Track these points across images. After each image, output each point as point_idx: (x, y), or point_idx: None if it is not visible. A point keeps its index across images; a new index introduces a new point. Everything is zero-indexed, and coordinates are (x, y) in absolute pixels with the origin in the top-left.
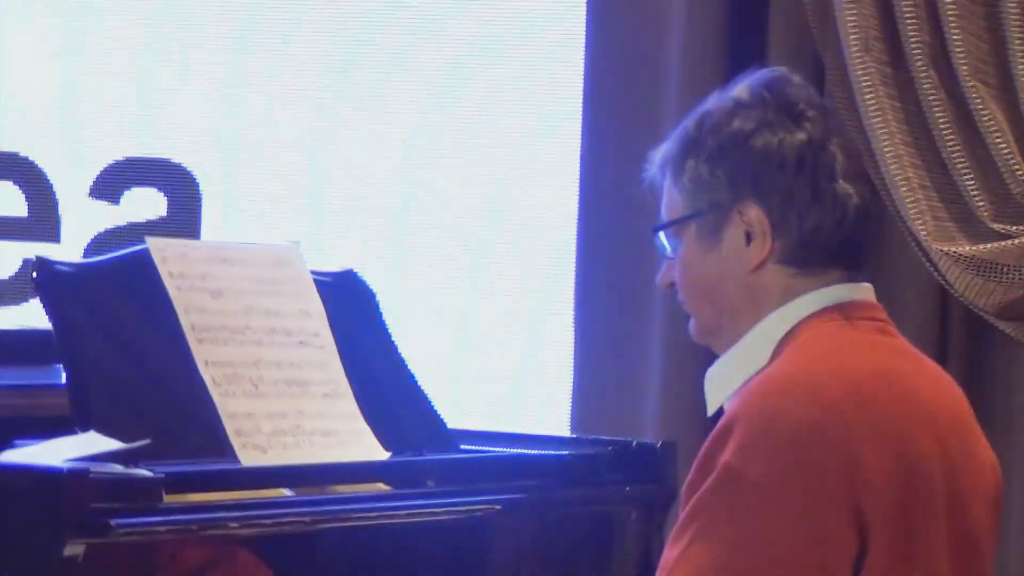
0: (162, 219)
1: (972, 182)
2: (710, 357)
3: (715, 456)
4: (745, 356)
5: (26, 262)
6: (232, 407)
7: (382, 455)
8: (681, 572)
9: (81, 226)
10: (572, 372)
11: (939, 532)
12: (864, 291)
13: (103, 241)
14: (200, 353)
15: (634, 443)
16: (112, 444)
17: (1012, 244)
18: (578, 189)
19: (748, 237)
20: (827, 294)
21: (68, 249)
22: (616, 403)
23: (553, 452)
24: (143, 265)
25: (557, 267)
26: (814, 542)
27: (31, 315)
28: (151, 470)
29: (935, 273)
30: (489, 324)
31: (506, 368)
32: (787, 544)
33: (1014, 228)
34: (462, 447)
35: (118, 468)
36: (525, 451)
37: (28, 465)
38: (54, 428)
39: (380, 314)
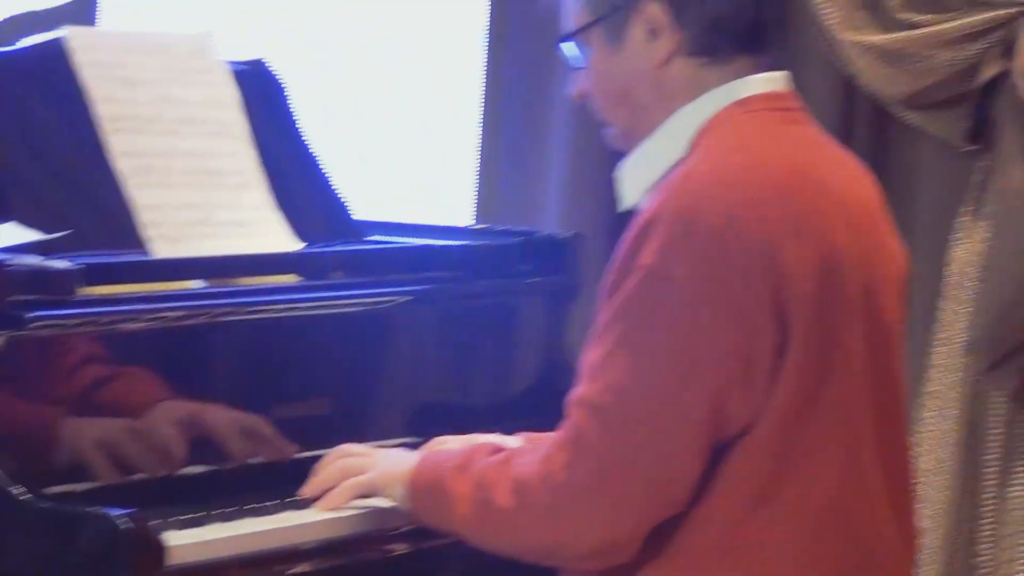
0: (60, 8)
1: None
2: (616, 153)
3: (634, 256)
4: (659, 150)
5: None
6: (145, 198)
7: (295, 245)
8: (608, 375)
9: None
10: (476, 164)
11: (855, 323)
12: (778, 80)
13: (5, 29)
14: (113, 143)
15: (542, 234)
16: (30, 235)
17: (920, 33)
18: None
19: (652, 33)
20: (740, 85)
21: None
22: (518, 195)
23: (462, 243)
24: (57, 54)
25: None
26: (739, 337)
27: None
28: (69, 261)
29: (840, 62)
30: (393, 115)
31: (409, 159)
32: (714, 342)
33: (921, 17)
34: (371, 238)
35: (35, 260)
36: (433, 242)
37: None
38: None
39: (288, 104)
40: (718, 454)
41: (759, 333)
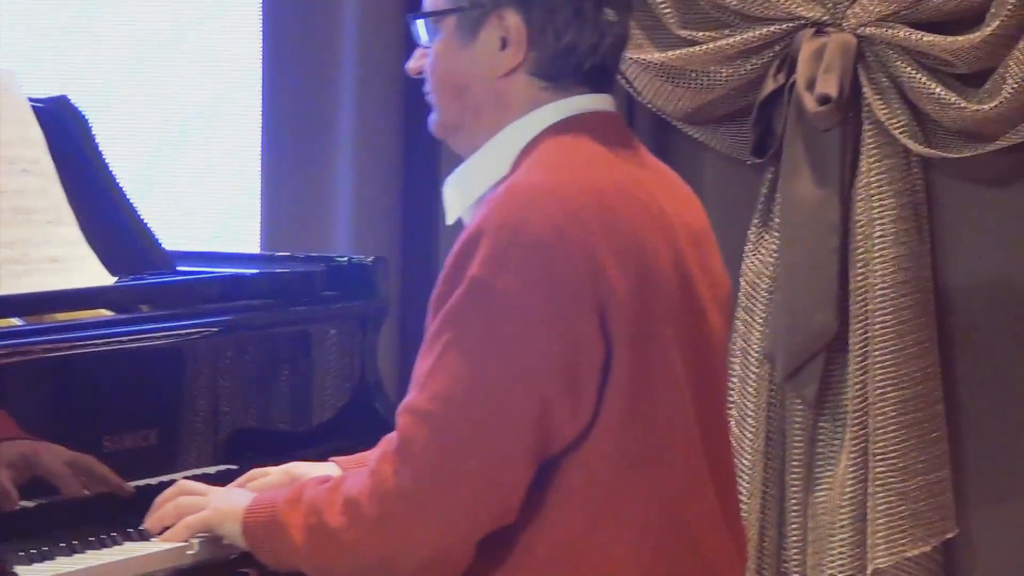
0: None
1: None
2: (392, 180)
3: (463, 268)
4: (486, 166)
5: None
6: None
7: (108, 280)
8: (435, 383)
9: None
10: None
11: (676, 338)
12: (603, 101)
13: None
14: None
15: (347, 259)
16: None
17: (699, 50)
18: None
19: (504, 42)
20: (567, 105)
21: None
22: (305, 220)
23: (268, 271)
24: None
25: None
26: (565, 348)
27: None
28: None
29: (622, 80)
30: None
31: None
32: (539, 351)
33: (700, 34)
34: (179, 268)
35: None
36: (241, 271)
37: None
38: None
39: (93, 139)
40: (553, 468)
41: (583, 344)
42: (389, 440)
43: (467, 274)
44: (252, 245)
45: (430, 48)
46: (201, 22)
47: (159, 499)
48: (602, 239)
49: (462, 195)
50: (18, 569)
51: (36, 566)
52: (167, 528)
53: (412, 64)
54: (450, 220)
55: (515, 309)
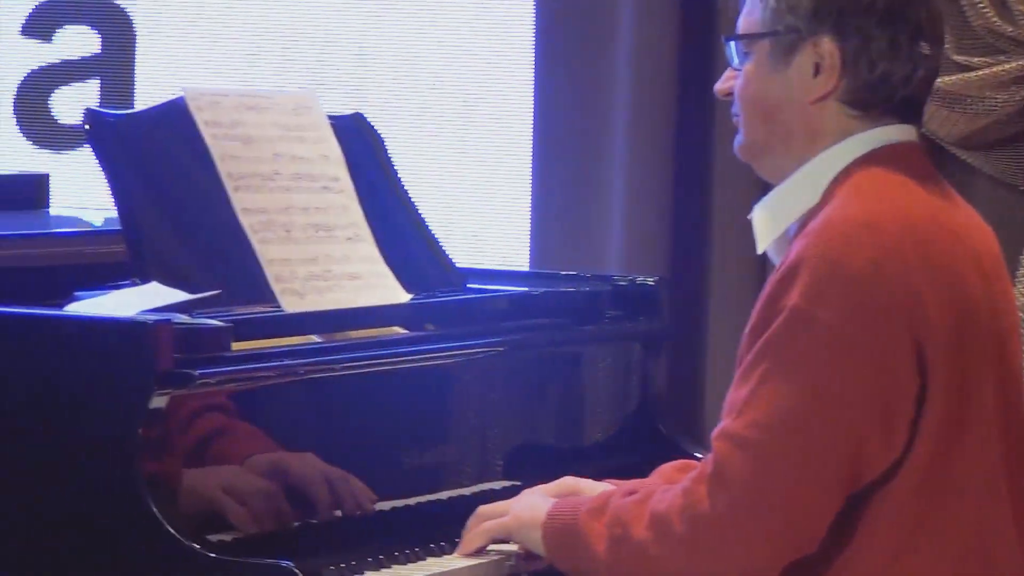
0: (96, 57)
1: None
2: (667, 198)
3: (780, 298)
4: (795, 194)
5: None
6: (270, 253)
7: (404, 297)
8: (753, 411)
9: (13, 64)
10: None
11: (988, 370)
12: (910, 132)
13: (35, 80)
14: (238, 200)
15: (631, 280)
16: (176, 294)
17: (974, 76)
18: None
19: (817, 69)
20: (877, 135)
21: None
22: (575, 240)
23: (555, 289)
24: (181, 113)
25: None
26: (881, 381)
27: None
28: (218, 318)
29: None
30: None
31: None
32: (856, 384)
33: (975, 60)
34: (468, 285)
35: (185, 318)
36: (527, 289)
37: (110, 318)
38: (108, 277)
39: (388, 156)
40: (859, 499)
41: (900, 380)
42: (704, 463)
43: (787, 304)
44: (521, 261)
45: (740, 71)
46: (474, 35)
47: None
48: (920, 273)
49: (772, 223)
50: None
51: None
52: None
53: (721, 86)
54: (760, 249)
55: (834, 341)
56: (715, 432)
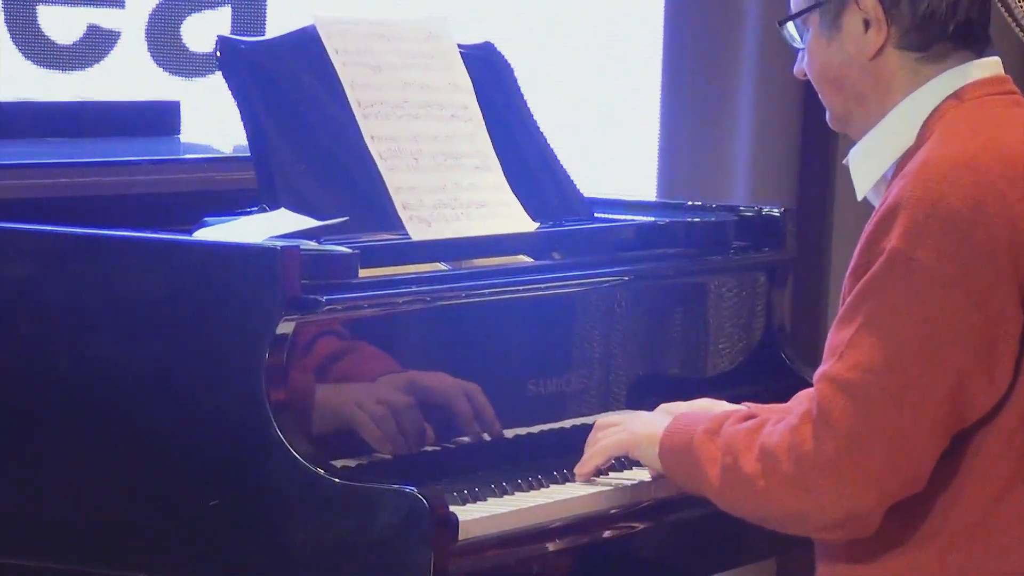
0: None
1: None
2: (793, 130)
3: (880, 240)
4: (888, 138)
5: (91, 28)
6: (397, 181)
7: (531, 225)
8: (854, 353)
9: None
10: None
11: None
12: (993, 65)
13: (168, 6)
14: (367, 128)
15: (757, 210)
16: (303, 221)
17: None
18: None
19: (867, 24)
20: (959, 73)
21: (132, 14)
22: (702, 170)
23: (681, 219)
24: (312, 41)
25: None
26: (983, 320)
27: (96, 81)
28: (345, 245)
29: (1016, 28)
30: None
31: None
32: (957, 323)
33: None
34: (595, 215)
35: (313, 244)
36: (653, 219)
37: (239, 244)
38: (237, 203)
39: (517, 85)
40: (966, 437)
41: (1003, 317)
42: (808, 400)
43: (886, 246)
44: (648, 192)
45: (804, 48)
46: None
47: (587, 444)
48: (1018, 209)
49: (868, 169)
50: (454, 509)
51: (469, 506)
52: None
53: (797, 68)
54: (860, 196)
55: (935, 281)
56: (817, 374)
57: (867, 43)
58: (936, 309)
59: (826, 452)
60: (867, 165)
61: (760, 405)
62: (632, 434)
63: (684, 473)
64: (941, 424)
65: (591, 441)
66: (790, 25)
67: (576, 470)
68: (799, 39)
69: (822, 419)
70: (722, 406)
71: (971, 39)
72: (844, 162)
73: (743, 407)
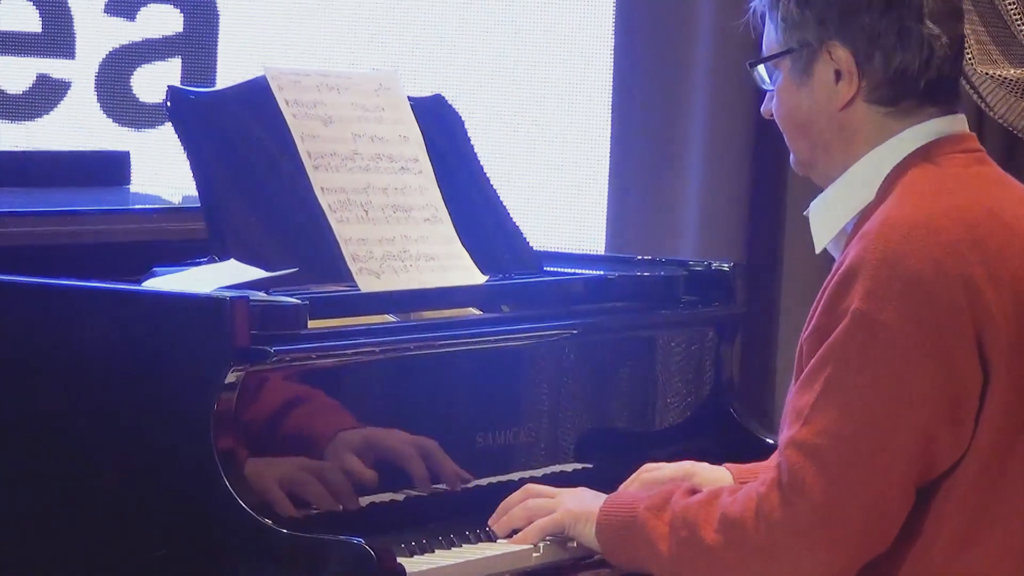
0: (179, 35)
1: (1014, 5)
2: (743, 184)
3: (840, 301)
4: (850, 190)
5: (41, 78)
6: (347, 232)
7: (480, 278)
8: (821, 418)
9: (96, 42)
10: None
11: None
12: (959, 122)
13: (118, 57)
14: (316, 180)
15: (706, 264)
16: (253, 271)
17: None
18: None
19: (838, 75)
20: (926, 129)
21: (82, 64)
22: (651, 225)
23: (630, 273)
24: (262, 92)
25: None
26: (947, 380)
27: (45, 131)
28: (295, 296)
29: (973, 95)
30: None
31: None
32: (922, 384)
33: None
34: (545, 268)
35: (262, 295)
36: (606, 273)
37: (188, 294)
38: (186, 253)
39: (468, 137)
40: (923, 496)
41: (965, 375)
42: (777, 469)
43: (848, 307)
44: (597, 245)
45: (772, 90)
46: (550, 19)
47: (506, 502)
48: (978, 268)
49: (828, 223)
50: (402, 560)
51: (416, 558)
52: (515, 531)
53: (764, 109)
54: (818, 249)
55: (898, 342)
56: (783, 440)
57: (837, 94)
58: (900, 370)
59: (799, 520)
60: (827, 217)
61: (740, 465)
62: (567, 512)
63: (625, 550)
64: (910, 483)
65: (519, 504)
66: (761, 67)
67: (511, 541)
68: (768, 81)
69: (792, 487)
70: (704, 468)
71: (940, 96)
72: (805, 213)
73: (723, 467)
